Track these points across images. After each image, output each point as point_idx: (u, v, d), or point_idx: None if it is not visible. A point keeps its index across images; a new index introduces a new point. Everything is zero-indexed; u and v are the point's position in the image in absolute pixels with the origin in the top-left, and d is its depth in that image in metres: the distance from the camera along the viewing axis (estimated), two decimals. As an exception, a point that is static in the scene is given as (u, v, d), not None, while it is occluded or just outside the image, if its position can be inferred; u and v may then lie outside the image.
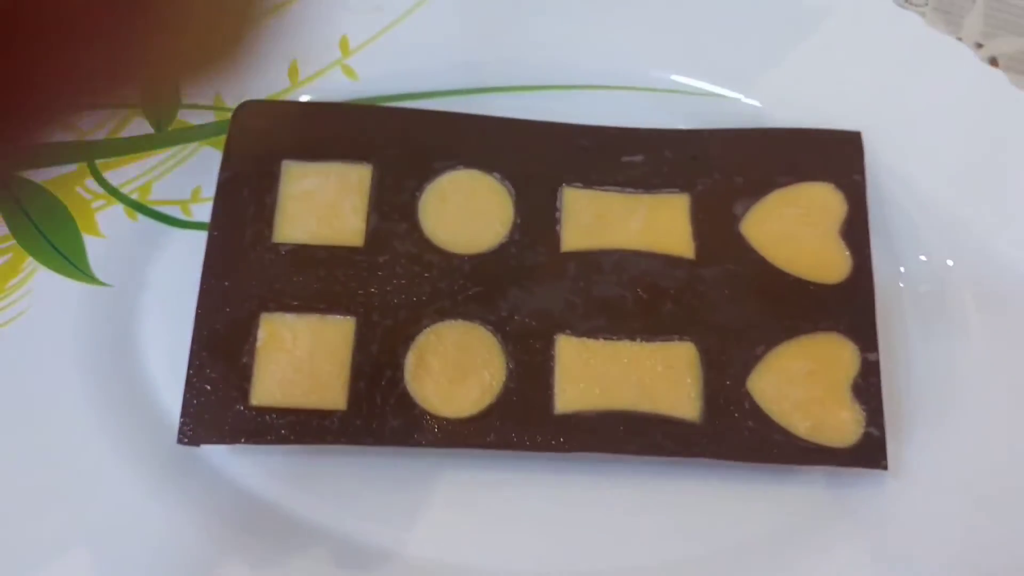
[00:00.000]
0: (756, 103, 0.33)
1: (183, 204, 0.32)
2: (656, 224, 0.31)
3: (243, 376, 0.29)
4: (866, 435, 0.29)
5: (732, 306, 0.30)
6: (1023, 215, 0.31)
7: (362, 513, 0.29)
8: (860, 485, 0.29)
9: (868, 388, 0.29)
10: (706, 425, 0.29)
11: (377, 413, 0.29)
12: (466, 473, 0.29)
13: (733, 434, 0.29)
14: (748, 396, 0.29)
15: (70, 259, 0.31)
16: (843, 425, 0.29)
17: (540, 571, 0.28)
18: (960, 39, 0.35)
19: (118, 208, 0.32)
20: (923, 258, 0.32)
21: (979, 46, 0.36)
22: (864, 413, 0.29)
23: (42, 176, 0.31)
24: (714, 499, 0.29)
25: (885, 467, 0.28)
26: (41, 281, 0.30)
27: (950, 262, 0.31)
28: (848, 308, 0.30)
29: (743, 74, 0.33)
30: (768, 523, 0.29)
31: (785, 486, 0.29)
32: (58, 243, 0.31)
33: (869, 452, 0.29)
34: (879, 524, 0.29)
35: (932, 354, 0.31)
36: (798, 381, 0.29)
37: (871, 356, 0.29)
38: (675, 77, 0.33)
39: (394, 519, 0.29)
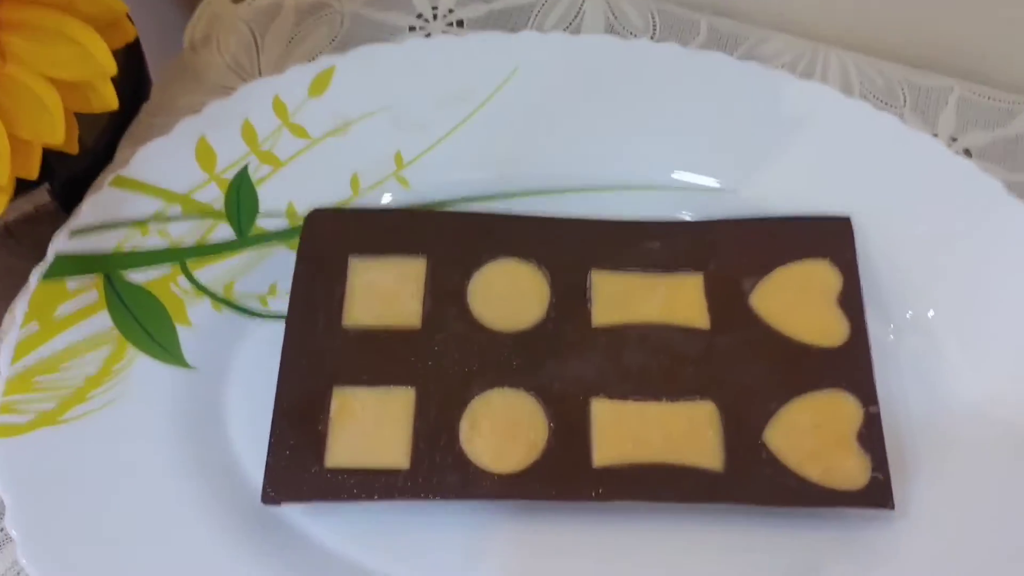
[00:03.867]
0: (757, 195, 0.37)
1: (261, 297, 0.37)
2: (674, 300, 0.35)
3: (319, 442, 0.33)
4: (873, 479, 0.32)
5: (745, 369, 0.34)
6: (990, 268, 0.35)
7: (424, 562, 0.32)
8: (869, 526, 0.32)
9: (872, 437, 0.32)
10: (729, 474, 0.32)
11: (436, 470, 0.32)
12: (516, 522, 0.33)
13: (754, 481, 0.32)
14: (765, 447, 0.32)
15: (165, 346, 0.35)
16: (851, 471, 0.32)
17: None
18: (936, 135, 0.40)
19: (206, 302, 0.36)
20: (909, 314, 0.36)
21: (953, 140, 0.41)
22: (869, 459, 0.32)
23: (142, 277, 0.36)
24: (739, 539, 0.32)
25: (892, 507, 0.32)
26: (141, 366, 0.35)
27: (931, 313, 0.35)
28: (848, 368, 0.34)
29: (745, 171, 0.37)
30: (787, 561, 0.32)
31: (801, 529, 0.32)
32: (155, 333, 0.35)
33: (877, 494, 0.32)
34: (888, 560, 0.32)
35: (927, 399, 0.34)
36: (808, 433, 0.33)
37: (872, 409, 0.33)
38: (683, 176, 0.38)
39: (453, 566, 0.32)
